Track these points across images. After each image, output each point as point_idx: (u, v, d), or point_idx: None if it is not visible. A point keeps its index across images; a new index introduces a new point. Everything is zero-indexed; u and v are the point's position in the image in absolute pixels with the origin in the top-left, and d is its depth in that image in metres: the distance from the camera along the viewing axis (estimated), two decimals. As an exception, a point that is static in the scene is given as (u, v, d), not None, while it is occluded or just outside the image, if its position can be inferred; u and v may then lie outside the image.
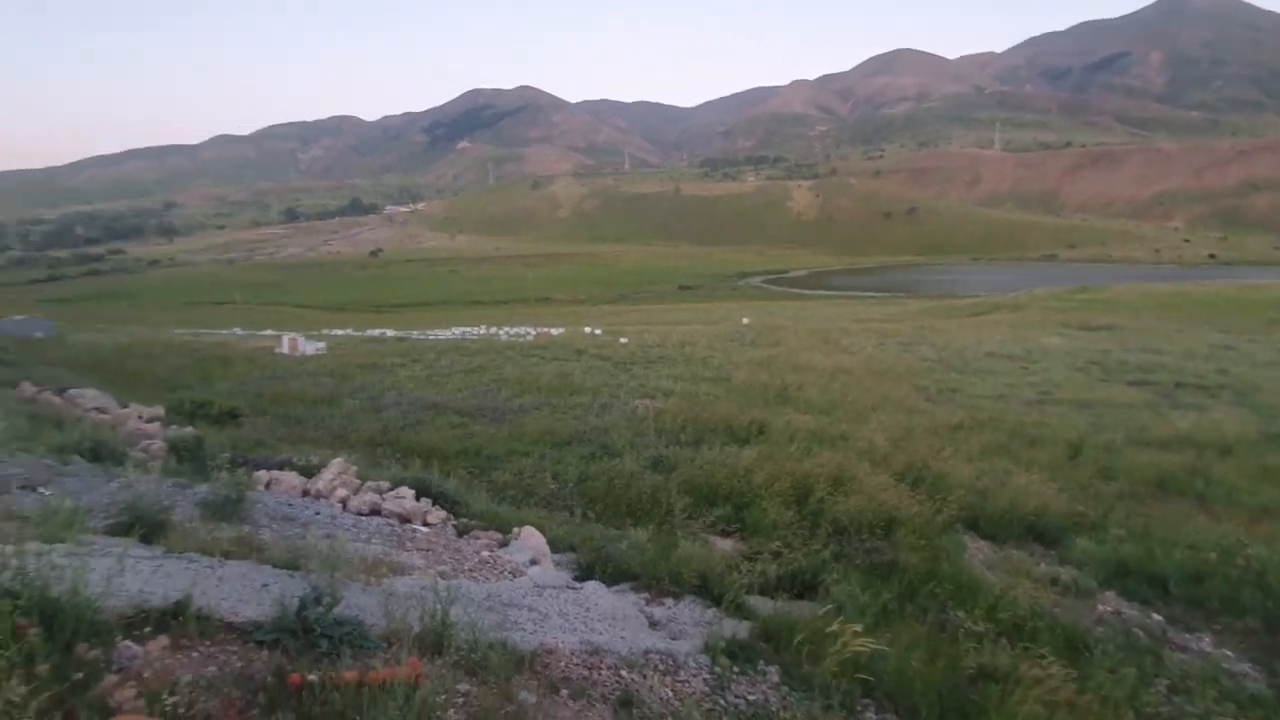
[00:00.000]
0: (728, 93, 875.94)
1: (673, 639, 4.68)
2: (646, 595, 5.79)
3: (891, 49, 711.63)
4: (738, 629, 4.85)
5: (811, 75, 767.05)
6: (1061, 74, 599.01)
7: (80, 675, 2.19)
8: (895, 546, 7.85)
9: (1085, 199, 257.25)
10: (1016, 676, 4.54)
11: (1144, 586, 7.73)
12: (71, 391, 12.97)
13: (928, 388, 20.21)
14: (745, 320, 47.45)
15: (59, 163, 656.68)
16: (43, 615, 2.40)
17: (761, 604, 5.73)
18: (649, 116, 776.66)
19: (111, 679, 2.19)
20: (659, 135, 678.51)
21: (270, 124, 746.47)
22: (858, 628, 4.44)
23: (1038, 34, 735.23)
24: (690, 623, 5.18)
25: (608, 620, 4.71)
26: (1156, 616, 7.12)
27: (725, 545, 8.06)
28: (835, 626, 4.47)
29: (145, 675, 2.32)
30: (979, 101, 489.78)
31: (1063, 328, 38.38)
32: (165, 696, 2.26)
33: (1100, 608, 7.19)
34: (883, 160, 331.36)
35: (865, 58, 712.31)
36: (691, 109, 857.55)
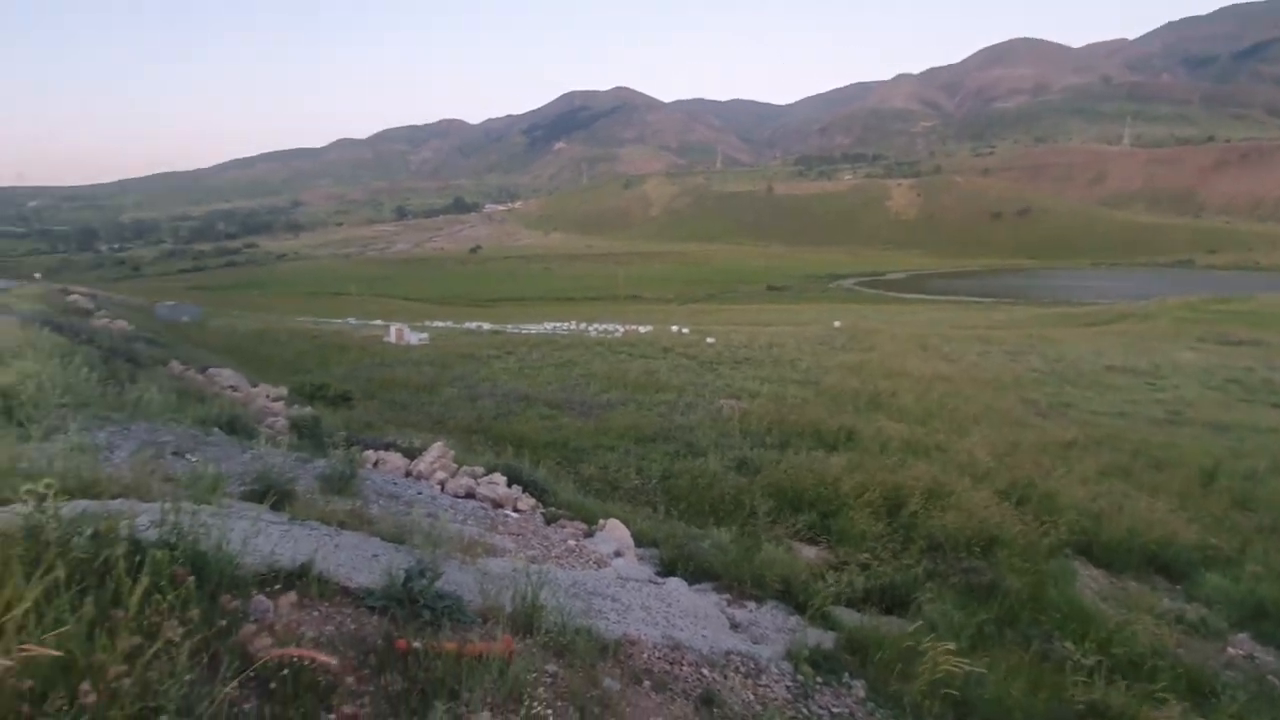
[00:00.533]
0: (826, 89, 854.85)
1: (754, 642, 4.65)
2: (728, 596, 5.79)
3: (1007, 38, 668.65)
4: (822, 638, 4.75)
5: (916, 69, 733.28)
6: (1205, 62, 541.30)
7: (224, 622, 2.46)
8: (995, 567, 7.44)
9: (1229, 199, 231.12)
10: (1131, 716, 4.20)
11: (1285, 631, 6.95)
12: (211, 370, 14.40)
13: (1037, 401, 18.93)
14: (837, 323, 45.94)
15: (204, 165, 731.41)
16: (193, 566, 2.71)
17: (847, 615, 5.59)
18: (743, 115, 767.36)
19: (250, 628, 2.44)
20: (753, 134, 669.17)
21: (385, 128, 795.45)
22: (951, 646, 4.25)
23: (1176, 19, 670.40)
24: (772, 628, 5.13)
25: (689, 617, 4.73)
26: (1299, 665, 6.39)
27: (810, 553, 7.91)
28: (927, 645, 4.30)
29: (276, 628, 2.57)
30: (1106, 93, 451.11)
31: (1197, 341, 34.87)
32: (292, 648, 2.51)
33: (1231, 650, 6.54)
34: (993, 157, 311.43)
35: (976, 49, 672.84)
36: (787, 106, 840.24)
